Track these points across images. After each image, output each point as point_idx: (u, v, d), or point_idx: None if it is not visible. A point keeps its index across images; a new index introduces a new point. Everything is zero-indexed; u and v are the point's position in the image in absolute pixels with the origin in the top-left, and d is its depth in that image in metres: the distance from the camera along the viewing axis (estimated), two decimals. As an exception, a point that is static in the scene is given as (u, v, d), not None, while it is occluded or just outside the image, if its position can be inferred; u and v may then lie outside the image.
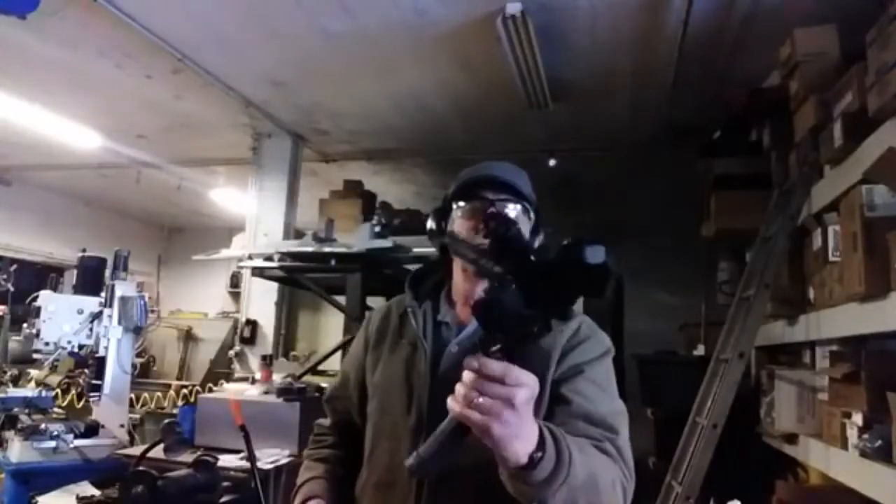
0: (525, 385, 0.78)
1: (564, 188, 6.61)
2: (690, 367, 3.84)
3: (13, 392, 3.69)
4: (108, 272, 3.72)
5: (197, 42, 4.04)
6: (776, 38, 3.17)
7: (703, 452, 2.77)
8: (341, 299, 4.31)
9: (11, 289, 5.76)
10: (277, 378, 3.52)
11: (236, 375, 5.16)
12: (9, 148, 6.20)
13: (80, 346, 3.56)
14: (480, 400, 0.76)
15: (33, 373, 3.84)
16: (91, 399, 3.50)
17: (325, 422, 1.45)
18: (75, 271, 3.90)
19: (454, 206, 1.25)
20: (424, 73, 4.33)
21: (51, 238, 7.82)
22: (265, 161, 5.71)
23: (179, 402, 4.41)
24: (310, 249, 4.25)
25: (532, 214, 1.25)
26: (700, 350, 4.53)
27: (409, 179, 6.78)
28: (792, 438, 2.93)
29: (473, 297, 1.13)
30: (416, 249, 4.13)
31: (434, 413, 1.10)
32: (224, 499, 1.80)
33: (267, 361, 3.69)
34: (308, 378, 3.87)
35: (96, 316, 3.54)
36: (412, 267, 4.20)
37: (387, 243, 4.11)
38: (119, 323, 3.53)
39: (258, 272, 4.65)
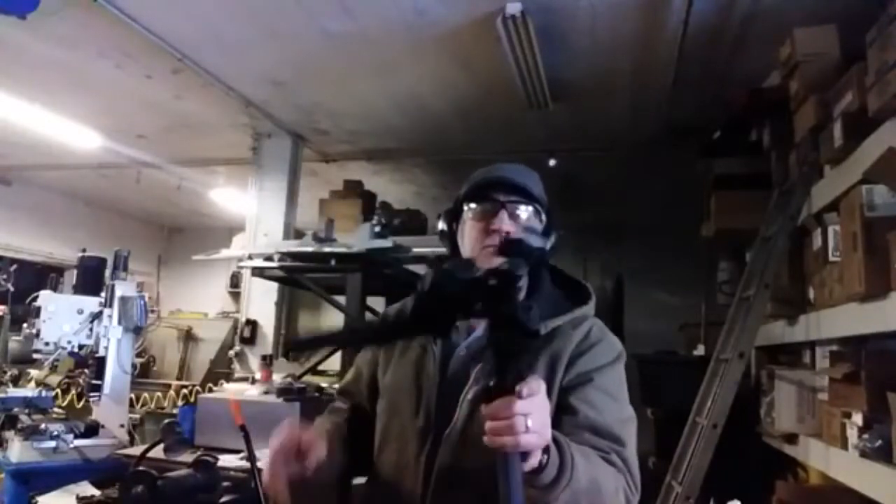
0: (539, 393, 0.85)
1: (564, 188, 6.61)
2: (690, 367, 3.84)
3: (13, 392, 3.68)
4: (108, 272, 3.72)
5: (197, 42, 4.04)
6: (776, 38, 3.17)
7: (703, 452, 2.77)
8: (341, 299, 4.30)
9: (11, 289, 5.76)
10: (277, 378, 3.51)
11: (236, 375, 5.16)
12: (9, 148, 6.20)
13: (80, 346, 3.56)
14: (528, 424, 0.82)
15: (33, 373, 3.84)
16: (91, 399, 3.50)
17: (334, 408, 1.41)
18: (75, 271, 3.90)
19: (465, 208, 1.24)
20: (424, 73, 4.33)
21: (51, 238, 7.81)
22: (265, 161, 5.70)
23: (179, 402, 4.41)
24: (310, 249, 4.25)
25: (543, 216, 1.25)
26: (700, 350, 4.53)
27: (409, 179, 6.78)
28: (792, 438, 2.93)
29: None
30: (416, 249, 4.13)
31: (441, 415, 1.13)
32: (224, 499, 1.80)
33: (267, 361, 3.68)
34: (308, 378, 3.87)
35: (96, 316, 3.54)
36: (412, 267, 4.21)
37: (387, 243, 4.11)
38: (119, 323, 3.53)
39: (258, 272, 4.65)
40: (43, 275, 6.76)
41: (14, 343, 4.90)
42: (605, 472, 1.02)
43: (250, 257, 4.53)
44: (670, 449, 3.10)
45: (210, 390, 4.37)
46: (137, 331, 3.68)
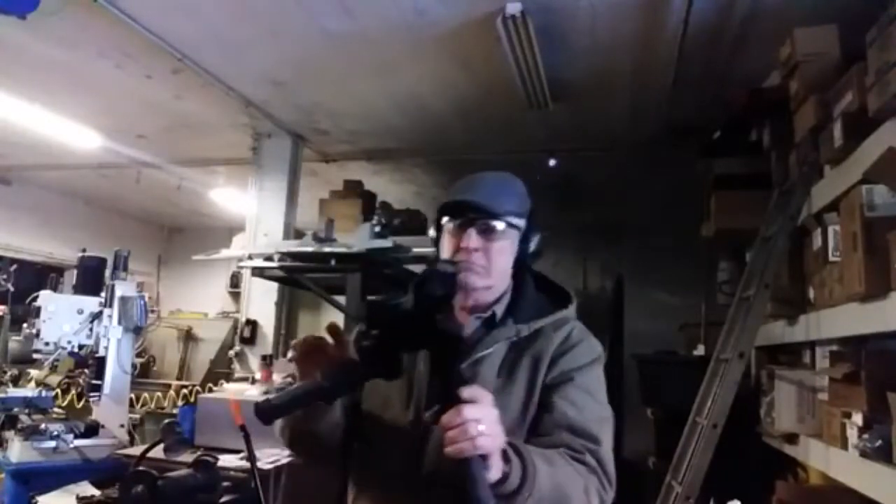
0: (484, 401, 0.95)
1: (564, 188, 6.61)
2: (690, 367, 3.84)
3: (13, 392, 3.69)
4: (108, 272, 3.73)
5: (197, 42, 4.03)
6: (776, 38, 3.16)
7: (703, 452, 2.77)
8: (341, 299, 4.30)
9: (11, 289, 5.76)
10: (277, 378, 3.52)
11: (236, 375, 5.16)
12: (9, 148, 6.20)
13: (80, 346, 3.57)
14: (481, 429, 0.92)
15: (33, 373, 3.84)
16: (91, 399, 3.51)
17: None
18: (75, 271, 3.91)
19: (444, 221, 1.31)
20: (424, 73, 4.33)
21: (51, 238, 7.81)
22: (265, 161, 5.70)
23: (179, 402, 4.42)
24: (310, 249, 4.25)
25: (522, 224, 1.30)
26: (700, 350, 4.53)
27: (409, 179, 6.78)
28: (792, 438, 2.93)
29: (466, 304, 1.25)
30: (415, 249, 4.13)
31: (430, 408, 1.17)
32: (224, 499, 1.80)
33: (267, 361, 3.69)
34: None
35: (96, 316, 3.54)
36: (412, 267, 4.21)
37: (387, 243, 4.11)
38: (119, 323, 3.53)
39: (258, 272, 4.65)
40: (43, 275, 6.76)
41: (14, 343, 4.91)
42: (571, 476, 1.08)
43: (250, 257, 4.53)
44: (670, 449, 3.11)
45: (210, 390, 4.37)
46: (137, 331, 3.68)
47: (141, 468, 1.63)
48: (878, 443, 2.05)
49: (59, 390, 3.60)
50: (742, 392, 2.96)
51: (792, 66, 2.98)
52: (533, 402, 1.19)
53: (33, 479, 3.08)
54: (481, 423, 0.92)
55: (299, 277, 4.45)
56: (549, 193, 6.88)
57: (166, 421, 2.07)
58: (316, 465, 1.39)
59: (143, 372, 6.70)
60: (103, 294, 3.62)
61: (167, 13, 3.71)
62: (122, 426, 3.52)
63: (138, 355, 6.01)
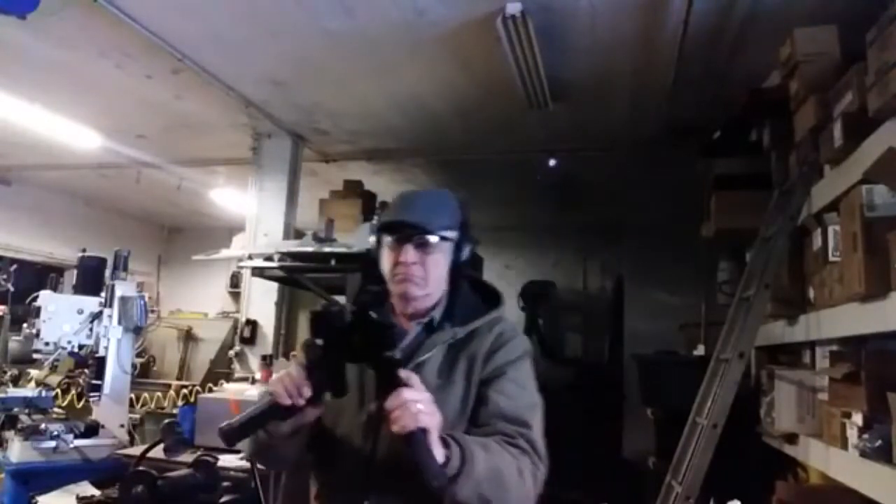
0: (417, 385, 1.12)
1: (564, 188, 6.61)
2: (690, 367, 3.83)
3: (13, 392, 3.69)
4: (108, 272, 3.73)
5: (197, 42, 4.04)
6: (776, 38, 3.16)
7: (703, 452, 2.77)
8: (341, 299, 4.30)
9: (11, 289, 5.76)
10: (277, 378, 3.51)
11: (236, 375, 5.16)
12: (9, 148, 6.20)
13: (80, 346, 3.57)
14: (419, 407, 1.08)
15: (33, 373, 3.85)
16: (91, 399, 3.51)
17: None
18: (75, 271, 3.91)
19: (383, 237, 1.43)
20: (424, 73, 4.33)
21: (51, 238, 7.81)
22: (265, 161, 5.70)
23: (179, 402, 4.41)
24: (310, 249, 4.25)
25: (454, 236, 1.42)
26: (700, 350, 4.53)
27: (409, 179, 6.78)
28: (792, 438, 2.93)
29: (406, 312, 1.41)
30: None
31: (381, 410, 1.25)
32: (224, 499, 1.80)
33: (267, 361, 3.69)
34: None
35: (96, 316, 3.54)
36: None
37: (387, 243, 4.10)
38: (119, 323, 3.53)
39: (258, 272, 4.66)
40: (43, 275, 6.75)
41: (14, 343, 4.91)
42: (506, 459, 1.22)
43: (250, 257, 4.53)
44: (670, 449, 3.10)
45: (210, 390, 4.36)
46: (137, 331, 3.68)
47: (141, 468, 1.63)
48: (878, 443, 2.05)
49: (59, 390, 3.60)
50: (742, 392, 2.96)
51: (792, 66, 2.98)
52: (471, 397, 1.33)
53: (33, 479, 3.08)
54: (419, 402, 1.08)
55: (299, 277, 4.46)
56: (549, 193, 6.89)
57: (166, 421, 2.07)
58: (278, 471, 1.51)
59: (143, 372, 6.70)
60: (103, 294, 3.62)
61: (167, 13, 3.71)
62: (122, 426, 3.52)
63: (138, 355, 6.01)
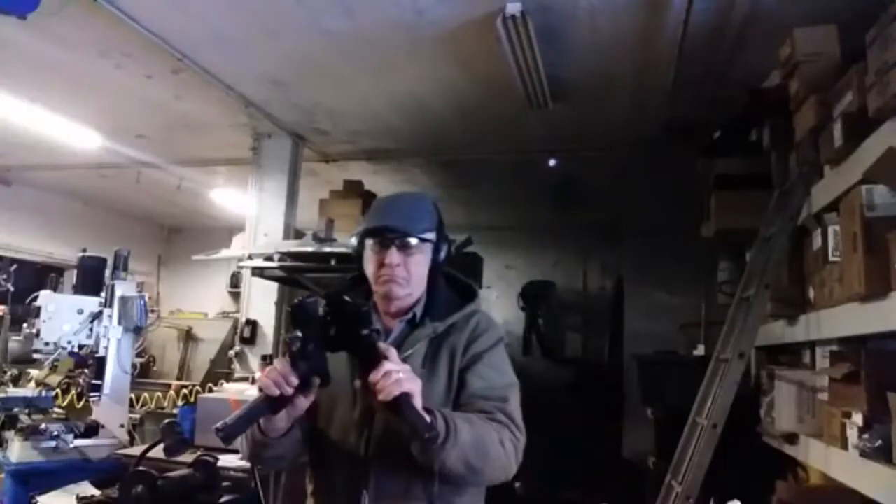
0: (394, 358, 1.22)
1: (564, 188, 6.61)
2: (690, 367, 3.83)
3: (13, 392, 3.69)
4: (108, 272, 3.72)
5: (197, 42, 4.03)
6: (776, 38, 3.16)
7: (703, 452, 2.77)
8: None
9: (11, 289, 5.77)
10: (277, 378, 3.51)
11: (236, 375, 5.16)
12: (9, 148, 6.19)
13: (80, 346, 3.56)
14: (400, 375, 1.18)
15: (33, 373, 3.84)
16: (91, 399, 3.50)
17: None
18: (75, 271, 3.90)
19: (366, 241, 1.51)
20: (424, 73, 4.33)
21: (51, 238, 7.81)
22: (265, 161, 5.70)
23: (179, 402, 4.41)
24: (310, 249, 4.25)
25: (433, 237, 1.50)
26: (700, 350, 4.53)
27: (409, 179, 6.78)
28: (792, 438, 2.93)
29: (390, 311, 1.50)
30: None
31: (366, 386, 1.32)
32: (224, 499, 1.80)
33: (267, 361, 3.69)
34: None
35: (96, 316, 3.54)
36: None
37: (387, 243, 4.10)
38: (119, 323, 3.53)
39: (258, 272, 4.65)
40: (43, 275, 6.76)
41: (14, 343, 4.90)
42: (487, 430, 1.34)
43: (250, 257, 4.53)
44: (670, 449, 3.10)
45: (210, 390, 4.36)
46: (137, 331, 3.68)
47: (141, 468, 1.63)
48: (878, 443, 2.05)
49: (59, 390, 3.59)
50: (742, 392, 2.96)
51: (792, 66, 2.98)
52: (453, 385, 1.44)
53: (33, 479, 3.08)
54: (399, 371, 1.18)
55: (299, 277, 4.46)
56: (549, 193, 6.90)
57: (166, 421, 2.07)
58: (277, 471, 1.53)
59: (143, 372, 6.70)
60: (103, 294, 3.61)
61: (167, 13, 3.71)
62: (122, 426, 3.52)
63: (138, 355, 6.00)
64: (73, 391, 3.60)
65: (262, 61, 4.28)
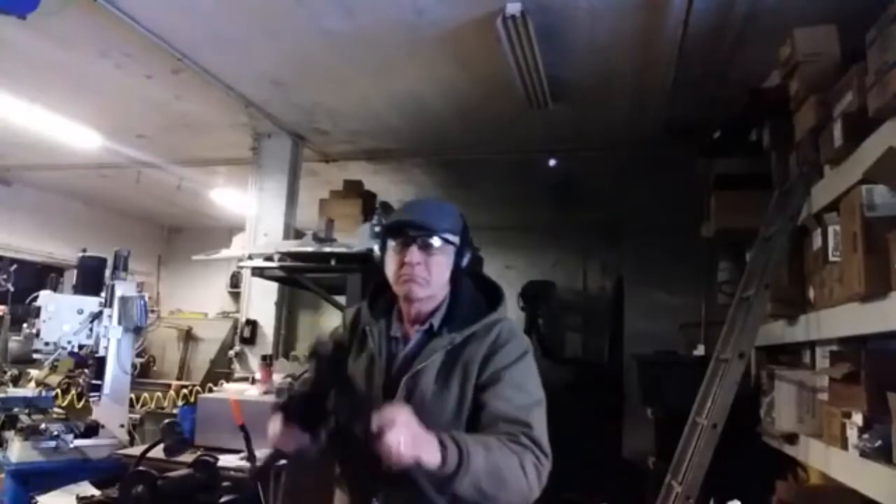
0: (396, 423, 1.16)
1: (564, 188, 6.61)
2: (690, 367, 3.83)
3: (13, 392, 3.69)
4: (108, 272, 3.72)
5: (197, 42, 4.03)
6: (776, 38, 3.16)
7: (703, 452, 2.77)
8: (341, 299, 4.31)
9: (11, 289, 5.77)
10: (277, 378, 3.52)
11: (236, 375, 5.15)
12: (9, 148, 6.19)
13: (80, 346, 3.56)
14: (402, 446, 1.15)
15: (33, 373, 3.84)
16: (91, 399, 3.50)
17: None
18: (75, 271, 3.90)
19: (388, 242, 1.50)
20: (424, 73, 4.33)
21: (51, 238, 7.81)
22: (265, 161, 5.70)
23: (179, 402, 4.40)
24: (310, 249, 4.25)
25: (456, 241, 1.48)
26: (700, 350, 4.53)
27: (409, 179, 6.78)
28: (792, 438, 2.93)
29: (410, 314, 1.49)
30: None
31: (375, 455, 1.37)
32: (224, 499, 1.80)
33: (267, 361, 3.69)
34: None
35: (96, 316, 3.54)
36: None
37: (387, 243, 4.09)
38: (119, 323, 3.53)
39: (258, 272, 4.65)
40: (43, 275, 6.75)
41: (14, 343, 4.90)
42: (506, 454, 1.28)
43: (250, 257, 4.53)
44: (670, 449, 3.10)
45: (210, 390, 4.36)
46: (137, 331, 3.68)
47: (141, 468, 1.63)
48: (878, 443, 2.05)
49: (59, 390, 3.59)
50: (742, 392, 2.96)
51: (792, 66, 2.98)
52: (465, 401, 1.39)
53: (33, 479, 3.08)
54: (401, 441, 1.15)
55: (299, 277, 4.45)
56: (549, 193, 6.89)
57: (166, 421, 2.07)
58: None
59: (143, 372, 6.70)
60: (103, 294, 3.61)
61: (167, 13, 3.70)
62: (122, 426, 3.52)
63: (138, 355, 6.01)
64: (73, 391, 3.60)
65: (262, 61, 4.28)
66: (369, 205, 5.45)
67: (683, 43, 3.68)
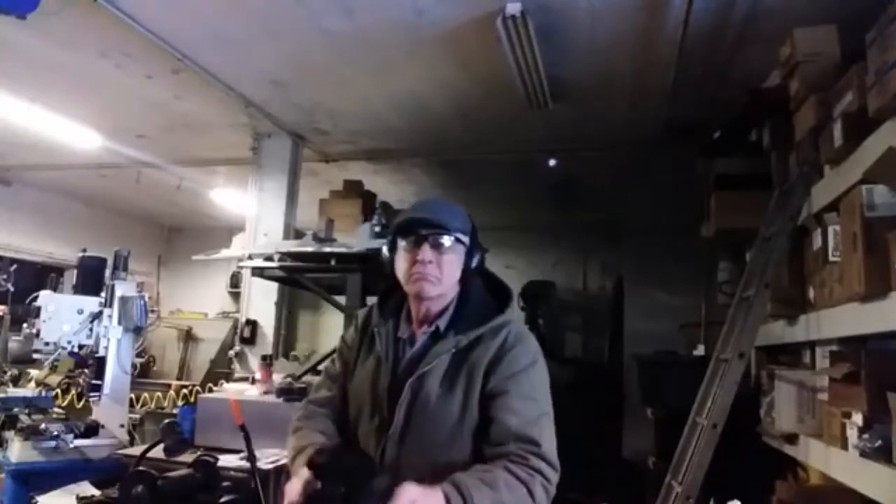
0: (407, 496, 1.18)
1: (564, 188, 6.61)
2: (690, 367, 3.83)
3: (13, 392, 3.69)
4: (108, 272, 3.72)
5: (197, 42, 4.03)
6: (776, 38, 3.16)
7: (703, 452, 2.77)
8: (341, 299, 4.30)
9: (11, 289, 5.77)
10: (277, 378, 3.52)
11: (236, 375, 5.15)
12: (9, 148, 6.19)
13: (80, 346, 3.56)
14: None
15: (33, 373, 3.84)
16: (91, 399, 3.50)
17: (320, 395, 1.64)
18: (75, 271, 3.90)
19: (398, 241, 1.49)
20: (424, 73, 4.33)
21: (51, 238, 7.81)
22: (265, 161, 5.70)
23: (179, 402, 4.40)
24: (310, 249, 4.25)
25: (466, 241, 1.48)
26: (700, 350, 4.53)
27: (409, 179, 6.78)
28: (792, 438, 2.93)
29: (420, 317, 1.48)
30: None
31: (390, 417, 1.41)
32: (224, 499, 1.80)
33: (267, 361, 3.69)
34: (308, 378, 3.87)
35: (96, 316, 3.53)
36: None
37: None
38: (119, 323, 3.53)
39: (258, 272, 4.64)
40: (43, 275, 6.76)
41: (14, 343, 4.90)
42: (513, 487, 1.28)
43: (250, 257, 4.52)
44: (670, 449, 3.10)
45: (210, 390, 4.35)
46: (137, 331, 3.67)
47: (141, 468, 1.63)
48: (878, 443, 2.05)
49: (59, 390, 3.59)
50: (742, 392, 2.96)
51: (792, 66, 2.98)
52: (470, 407, 1.38)
53: (33, 479, 3.07)
54: None
55: (299, 277, 4.45)
56: (549, 193, 6.89)
57: (166, 421, 2.06)
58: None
59: (143, 372, 6.70)
60: (103, 294, 3.61)
61: (167, 13, 3.70)
62: (122, 426, 3.51)
63: (138, 355, 6.01)
64: (73, 391, 3.59)
65: (262, 61, 4.28)
66: (369, 205, 5.44)
67: (683, 43, 3.68)
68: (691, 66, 3.97)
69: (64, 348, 3.50)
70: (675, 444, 3.05)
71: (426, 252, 1.42)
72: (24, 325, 4.29)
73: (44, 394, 3.59)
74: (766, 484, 3.04)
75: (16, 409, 3.44)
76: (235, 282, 8.30)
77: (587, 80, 4.31)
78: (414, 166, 6.42)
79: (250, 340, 5.41)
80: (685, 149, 4.58)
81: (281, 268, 4.35)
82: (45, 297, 3.56)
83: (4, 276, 5.98)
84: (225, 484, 1.84)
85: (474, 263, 1.49)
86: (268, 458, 2.80)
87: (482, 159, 6.04)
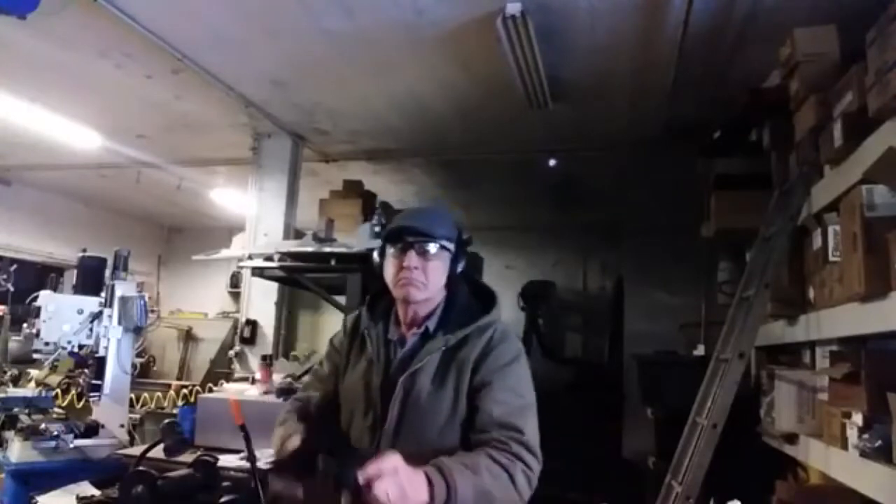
0: (383, 474, 1.21)
1: (564, 188, 6.61)
2: (690, 367, 3.83)
3: (13, 392, 3.69)
4: (108, 272, 3.72)
5: (197, 42, 4.03)
6: (776, 38, 3.16)
7: (703, 452, 2.77)
8: (341, 299, 4.30)
9: (11, 289, 5.77)
10: (277, 378, 3.52)
11: (236, 375, 5.15)
12: (9, 148, 6.20)
13: (80, 346, 3.56)
14: (391, 498, 1.20)
15: (33, 373, 3.84)
16: (91, 399, 3.50)
17: (307, 394, 1.73)
18: (75, 271, 3.90)
19: (387, 247, 1.57)
20: (424, 73, 4.33)
21: (51, 238, 7.81)
22: (265, 161, 5.70)
23: (179, 402, 4.41)
24: (310, 249, 4.24)
25: (452, 247, 1.56)
26: (700, 350, 4.53)
27: (409, 179, 6.78)
28: (792, 438, 2.93)
29: (408, 320, 1.56)
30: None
31: (384, 414, 1.47)
32: (224, 499, 1.80)
33: (267, 361, 3.69)
34: (308, 378, 3.87)
35: (96, 316, 3.53)
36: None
37: (387, 243, 4.09)
38: (119, 323, 3.53)
39: (258, 272, 4.64)
40: (43, 275, 6.76)
41: (14, 343, 4.90)
42: (496, 474, 1.33)
43: (250, 257, 4.52)
44: (670, 449, 3.10)
45: (210, 390, 4.36)
46: (137, 331, 3.67)
47: (141, 468, 1.63)
48: (878, 443, 2.05)
49: (59, 390, 3.59)
50: (742, 392, 2.96)
51: (792, 66, 2.98)
52: (460, 401, 1.45)
53: (33, 479, 3.08)
54: (389, 494, 1.19)
55: (299, 277, 4.45)
56: (549, 193, 6.90)
57: (166, 421, 2.06)
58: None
59: (143, 372, 6.70)
60: (103, 294, 3.61)
61: (167, 13, 3.71)
62: (122, 426, 3.51)
63: (138, 355, 6.01)
64: (73, 391, 3.60)
65: (262, 61, 4.28)
66: (369, 205, 5.44)
67: (683, 43, 3.68)
68: (691, 66, 3.97)
69: (64, 348, 3.50)
70: (675, 444, 3.05)
71: (412, 258, 1.50)
72: (24, 325, 4.29)
73: (44, 394, 3.59)
74: (766, 484, 3.04)
75: (16, 409, 3.44)
76: (235, 282, 8.30)
77: (587, 80, 4.31)
78: (414, 166, 6.42)
79: (250, 340, 5.41)
80: (685, 149, 4.58)
81: (281, 268, 4.35)
82: (45, 297, 3.56)
83: (4, 276, 5.98)
84: (225, 484, 1.84)
85: (459, 269, 1.57)
86: (268, 458, 2.80)
87: (482, 159, 6.04)
